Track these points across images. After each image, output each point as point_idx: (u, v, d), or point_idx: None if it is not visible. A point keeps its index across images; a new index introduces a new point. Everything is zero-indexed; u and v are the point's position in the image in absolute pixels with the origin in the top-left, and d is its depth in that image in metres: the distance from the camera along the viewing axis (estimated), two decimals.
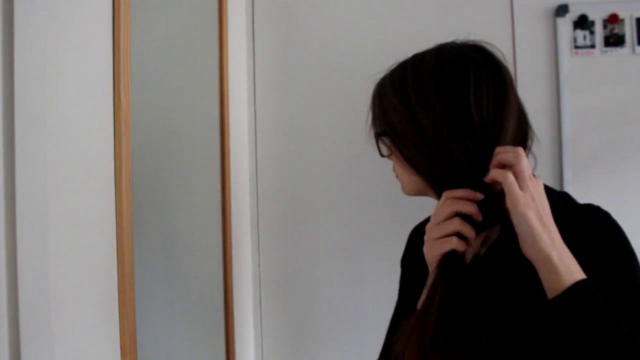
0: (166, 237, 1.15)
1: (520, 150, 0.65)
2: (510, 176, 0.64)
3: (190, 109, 1.27)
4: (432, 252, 0.69)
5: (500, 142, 0.69)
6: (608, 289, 0.66)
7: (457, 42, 0.77)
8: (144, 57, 0.99)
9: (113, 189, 0.85)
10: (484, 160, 0.68)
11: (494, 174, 0.65)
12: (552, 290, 0.63)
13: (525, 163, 0.65)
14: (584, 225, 0.72)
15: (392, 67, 0.80)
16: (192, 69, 1.29)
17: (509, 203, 0.64)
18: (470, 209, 0.67)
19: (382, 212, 1.56)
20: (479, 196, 0.67)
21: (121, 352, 0.85)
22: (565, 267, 0.63)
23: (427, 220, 0.93)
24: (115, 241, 0.85)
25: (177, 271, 1.18)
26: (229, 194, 1.41)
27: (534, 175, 0.67)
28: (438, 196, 0.72)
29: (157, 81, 1.10)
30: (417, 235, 0.93)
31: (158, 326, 1.08)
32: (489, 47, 0.75)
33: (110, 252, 0.84)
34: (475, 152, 0.69)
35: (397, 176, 0.82)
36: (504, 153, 0.66)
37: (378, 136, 0.79)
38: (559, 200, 0.75)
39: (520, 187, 0.63)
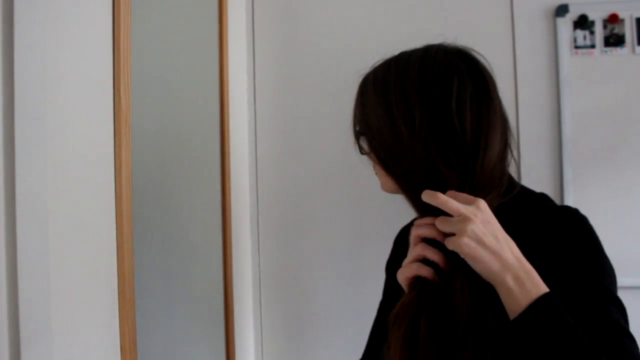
0: (166, 237, 1.15)
1: (429, 193, 0.66)
2: (439, 223, 0.65)
3: (190, 108, 1.27)
4: (399, 277, 0.71)
5: (487, 152, 0.69)
6: (577, 291, 0.66)
7: (444, 46, 0.75)
8: (144, 57, 0.99)
9: (113, 189, 0.85)
10: (470, 172, 0.68)
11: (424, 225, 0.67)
12: (511, 312, 0.63)
13: (442, 199, 0.65)
14: (558, 226, 0.71)
15: (377, 65, 0.79)
16: (192, 69, 1.29)
17: (455, 247, 0.64)
18: (431, 232, 0.67)
19: (382, 211, 1.56)
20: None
21: (121, 352, 0.85)
22: (520, 288, 0.62)
23: (412, 223, 0.93)
24: (115, 241, 0.85)
25: (177, 271, 1.18)
26: (229, 194, 1.41)
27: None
28: (411, 201, 0.72)
29: (157, 81, 1.10)
30: (402, 239, 0.93)
31: (158, 326, 1.08)
32: (474, 54, 0.74)
33: (110, 252, 0.84)
34: (459, 163, 0.68)
35: (376, 173, 0.82)
36: (420, 226, 0.68)
37: (357, 134, 0.79)
38: (538, 202, 0.75)
39: (461, 231, 0.63)
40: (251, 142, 1.64)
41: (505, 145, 0.73)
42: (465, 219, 0.63)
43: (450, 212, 0.65)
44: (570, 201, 1.48)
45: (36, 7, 0.67)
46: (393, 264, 0.91)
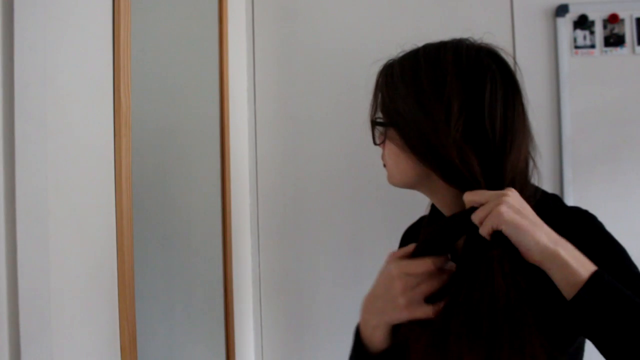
0: (166, 237, 1.15)
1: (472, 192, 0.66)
2: (470, 194, 0.66)
3: (190, 108, 1.27)
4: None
5: (511, 156, 0.70)
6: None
7: (472, 42, 0.76)
8: (144, 57, 0.99)
9: (113, 189, 0.85)
10: (495, 172, 0.69)
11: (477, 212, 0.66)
12: (569, 286, 0.60)
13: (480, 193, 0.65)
14: (573, 226, 0.71)
15: (402, 55, 0.79)
16: (192, 69, 1.29)
17: (493, 220, 0.63)
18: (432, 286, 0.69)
19: (382, 211, 1.56)
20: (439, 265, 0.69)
21: (121, 352, 0.85)
22: (575, 260, 0.61)
23: (420, 221, 0.93)
24: (115, 241, 0.85)
25: (177, 271, 1.18)
26: (229, 193, 1.41)
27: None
28: (445, 181, 0.72)
29: (157, 81, 1.10)
30: (409, 237, 0.93)
31: (158, 326, 1.08)
32: (503, 54, 0.75)
33: (110, 252, 0.84)
34: (486, 162, 0.69)
35: (384, 165, 0.81)
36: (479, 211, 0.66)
37: (377, 124, 0.78)
38: (549, 202, 0.75)
39: (492, 203, 0.63)
40: (251, 142, 1.64)
41: (528, 150, 0.74)
42: (499, 194, 0.63)
43: (484, 198, 0.65)
44: (570, 201, 1.48)
45: (36, 7, 0.67)
46: None
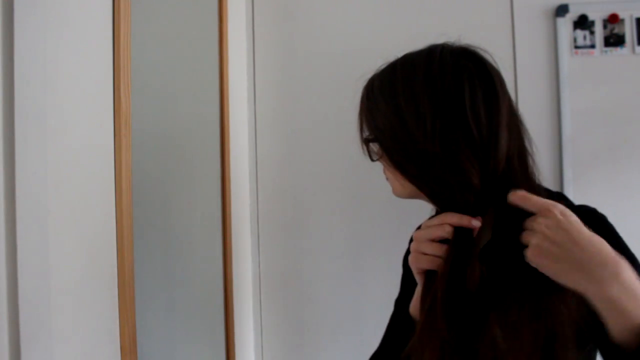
0: (166, 237, 1.15)
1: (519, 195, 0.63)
2: (522, 197, 0.62)
3: (190, 109, 1.27)
4: (417, 265, 0.71)
5: (496, 152, 0.68)
6: None
7: (449, 45, 0.75)
8: (144, 57, 0.99)
9: (113, 189, 0.85)
10: (489, 167, 0.68)
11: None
12: (624, 330, 0.56)
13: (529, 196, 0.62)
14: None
15: (381, 69, 0.78)
16: (192, 69, 1.29)
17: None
18: (461, 221, 0.67)
19: (382, 212, 1.56)
20: (476, 224, 0.66)
21: (121, 352, 0.85)
22: (632, 301, 0.55)
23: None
24: (115, 241, 0.85)
25: (177, 271, 1.18)
26: (229, 194, 1.41)
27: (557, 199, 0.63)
28: (433, 201, 0.72)
29: (157, 81, 1.10)
30: None
31: (158, 326, 1.08)
32: (480, 53, 0.74)
33: (110, 252, 0.84)
34: (477, 158, 0.68)
35: (387, 179, 0.82)
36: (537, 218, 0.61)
37: (366, 141, 0.78)
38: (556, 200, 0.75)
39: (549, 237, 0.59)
40: (251, 142, 1.64)
41: (520, 140, 0.72)
42: (553, 204, 0.60)
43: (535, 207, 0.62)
44: None
45: (36, 7, 0.67)
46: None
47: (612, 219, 0.76)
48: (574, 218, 0.59)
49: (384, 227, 1.56)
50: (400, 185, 0.77)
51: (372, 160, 0.80)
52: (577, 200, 0.79)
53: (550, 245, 0.58)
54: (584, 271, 0.57)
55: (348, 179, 1.59)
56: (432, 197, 0.72)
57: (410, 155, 0.71)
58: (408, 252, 0.93)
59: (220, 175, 1.39)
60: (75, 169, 0.76)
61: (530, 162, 0.73)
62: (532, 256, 0.60)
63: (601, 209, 0.77)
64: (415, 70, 0.72)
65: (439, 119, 0.68)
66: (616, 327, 0.56)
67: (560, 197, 0.78)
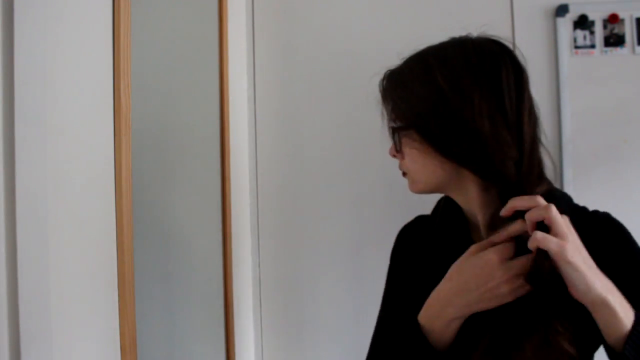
0: (166, 237, 1.15)
1: (550, 206, 0.64)
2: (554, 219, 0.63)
3: (190, 108, 1.27)
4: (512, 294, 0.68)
5: (522, 134, 0.71)
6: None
7: (475, 36, 0.77)
8: (144, 57, 0.99)
9: (113, 189, 0.85)
10: (523, 158, 0.71)
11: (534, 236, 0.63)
12: (615, 333, 0.62)
13: (556, 212, 0.63)
14: (602, 233, 0.72)
15: (406, 60, 0.80)
16: (192, 69, 1.29)
17: (557, 257, 0.61)
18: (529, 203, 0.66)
19: (382, 212, 1.56)
20: (541, 201, 0.66)
21: (121, 352, 0.85)
22: (622, 309, 0.62)
23: (417, 220, 0.93)
24: (115, 241, 0.85)
25: (177, 271, 1.18)
26: (229, 194, 1.41)
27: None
28: (479, 177, 0.73)
29: (157, 81, 1.10)
30: (406, 236, 0.93)
31: (158, 326, 1.08)
32: (505, 42, 0.77)
33: (110, 252, 0.84)
34: (515, 145, 0.71)
35: (404, 174, 0.82)
36: (534, 211, 0.64)
37: (398, 129, 0.78)
38: (562, 203, 0.75)
39: (561, 235, 0.62)
40: (251, 142, 1.64)
41: (535, 128, 0.74)
42: (565, 224, 0.63)
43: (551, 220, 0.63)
44: None
45: (36, 7, 0.67)
46: (398, 257, 0.92)
47: None
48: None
49: (384, 227, 1.55)
50: (427, 175, 0.77)
51: (397, 151, 0.80)
52: (577, 201, 0.79)
53: (578, 249, 0.62)
54: (598, 278, 0.62)
55: (348, 178, 1.59)
56: (477, 173, 0.73)
57: (458, 135, 0.72)
58: (396, 245, 0.93)
59: (220, 175, 1.39)
60: (75, 169, 0.76)
61: (542, 151, 0.75)
62: (570, 255, 0.60)
63: (601, 209, 0.78)
64: (453, 56, 0.75)
65: (484, 100, 0.71)
66: (612, 332, 0.63)
67: (566, 198, 0.78)
